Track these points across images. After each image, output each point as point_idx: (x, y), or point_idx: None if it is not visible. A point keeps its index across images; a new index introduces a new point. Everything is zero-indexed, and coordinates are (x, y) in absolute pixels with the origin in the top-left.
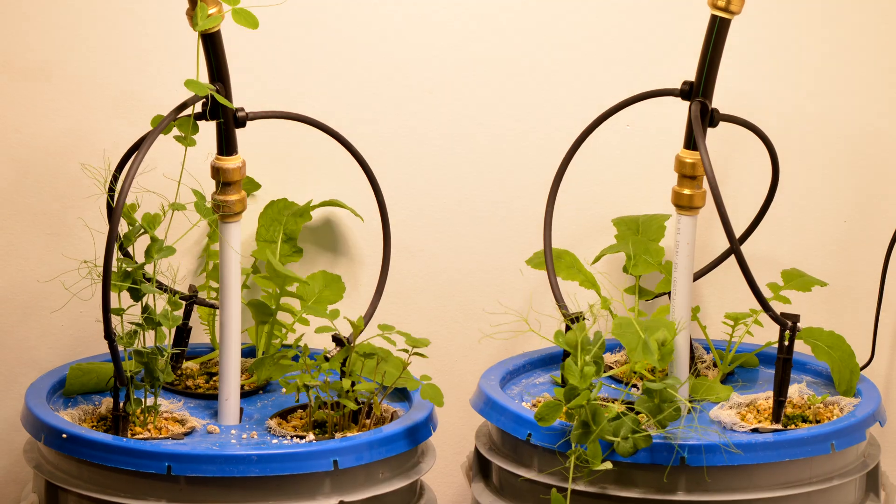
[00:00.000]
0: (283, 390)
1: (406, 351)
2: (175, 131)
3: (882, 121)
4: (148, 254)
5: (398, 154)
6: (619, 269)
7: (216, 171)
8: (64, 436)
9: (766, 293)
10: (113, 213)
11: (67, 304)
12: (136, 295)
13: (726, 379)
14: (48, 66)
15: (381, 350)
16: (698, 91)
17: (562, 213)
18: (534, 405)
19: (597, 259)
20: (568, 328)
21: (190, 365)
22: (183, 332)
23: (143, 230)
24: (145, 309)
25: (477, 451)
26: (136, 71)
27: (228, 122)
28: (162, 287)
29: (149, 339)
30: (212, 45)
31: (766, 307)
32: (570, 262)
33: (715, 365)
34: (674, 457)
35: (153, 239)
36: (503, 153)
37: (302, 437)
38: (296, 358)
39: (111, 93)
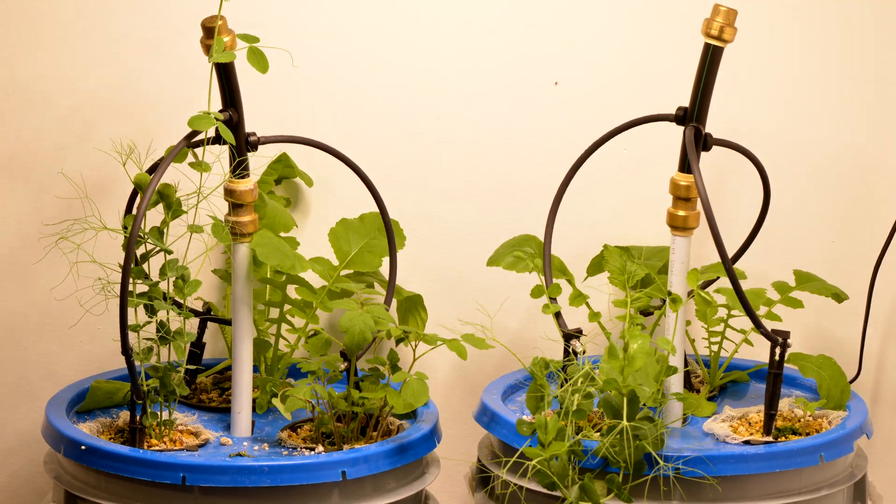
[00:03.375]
0: (283, 407)
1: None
2: (190, 157)
3: (869, 145)
4: (163, 271)
5: (404, 175)
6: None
7: (229, 193)
8: (83, 447)
9: (774, 295)
10: (129, 239)
11: (85, 321)
12: (151, 311)
13: (719, 392)
14: (63, 91)
15: (390, 353)
16: (692, 116)
17: (560, 233)
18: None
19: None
20: (566, 347)
21: (204, 379)
22: (197, 349)
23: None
24: (161, 326)
25: (480, 462)
26: (156, 97)
27: (240, 146)
28: (176, 304)
29: (164, 354)
30: (225, 72)
31: (758, 324)
32: (534, 251)
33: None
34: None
35: (166, 251)
36: (506, 176)
37: (312, 449)
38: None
39: (127, 112)
